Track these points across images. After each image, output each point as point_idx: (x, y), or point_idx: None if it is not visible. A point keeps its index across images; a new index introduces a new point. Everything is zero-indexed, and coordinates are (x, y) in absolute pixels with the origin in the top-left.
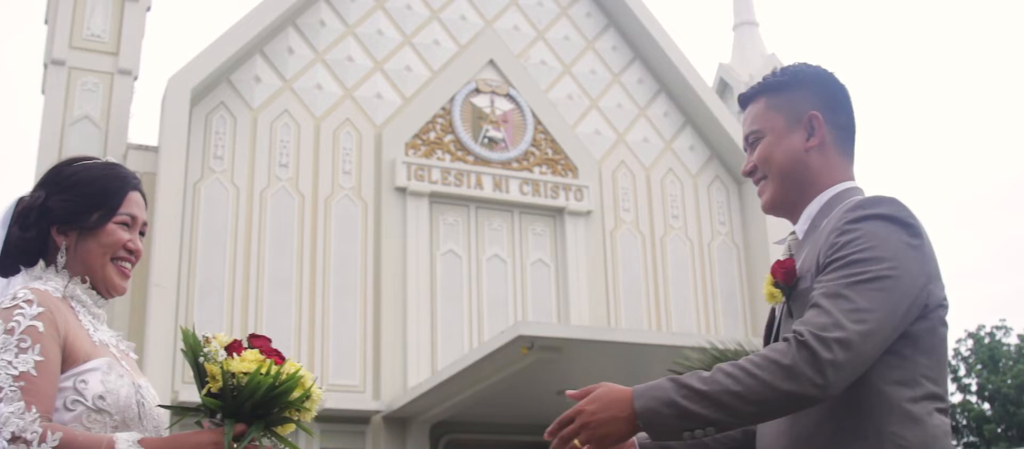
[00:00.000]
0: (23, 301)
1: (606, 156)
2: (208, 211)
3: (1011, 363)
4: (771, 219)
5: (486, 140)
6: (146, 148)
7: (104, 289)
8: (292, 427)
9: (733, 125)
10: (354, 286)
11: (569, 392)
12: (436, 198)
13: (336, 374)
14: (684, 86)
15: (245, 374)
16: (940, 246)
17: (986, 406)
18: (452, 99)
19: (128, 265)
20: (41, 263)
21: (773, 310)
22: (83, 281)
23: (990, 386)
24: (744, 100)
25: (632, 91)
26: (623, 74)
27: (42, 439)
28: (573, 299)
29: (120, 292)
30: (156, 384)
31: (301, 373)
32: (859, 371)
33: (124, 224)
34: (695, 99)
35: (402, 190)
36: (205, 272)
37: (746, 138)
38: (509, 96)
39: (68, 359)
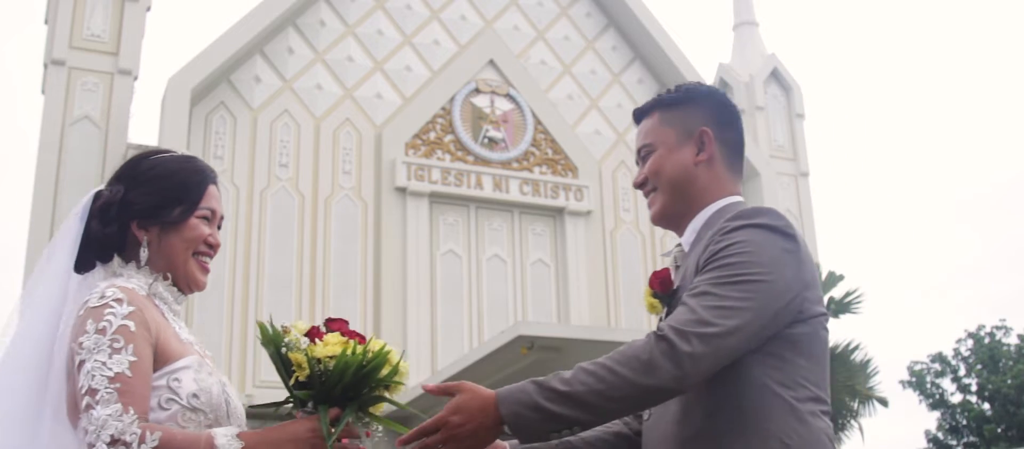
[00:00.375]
0: (112, 300)
1: (606, 156)
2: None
3: (1011, 363)
4: None
5: (486, 140)
6: (146, 148)
7: (185, 284)
8: (383, 406)
9: None
10: (354, 286)
11: (427, 386)
12: (436, 198)
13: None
14: None
15: (331, 358)
16: (941, 246)
17: (986, 406)
18: (452, 99)
19: (208, 259)
20: (117, 259)
21: (659, 321)
22: (165, 278)
23: (990, 386)
24: (638, 115)
25: (632, 91)
26: (623, 74)
27: (141, 440)
28: (573, 299)
29: (201, 287)
30: None
31: (386, 349)
32: (719, 364)
33: (205, 218)
34: None
35: (402, 190)
36: None
37: (638, 151)
38: (509, 96)
39: (160, 358)
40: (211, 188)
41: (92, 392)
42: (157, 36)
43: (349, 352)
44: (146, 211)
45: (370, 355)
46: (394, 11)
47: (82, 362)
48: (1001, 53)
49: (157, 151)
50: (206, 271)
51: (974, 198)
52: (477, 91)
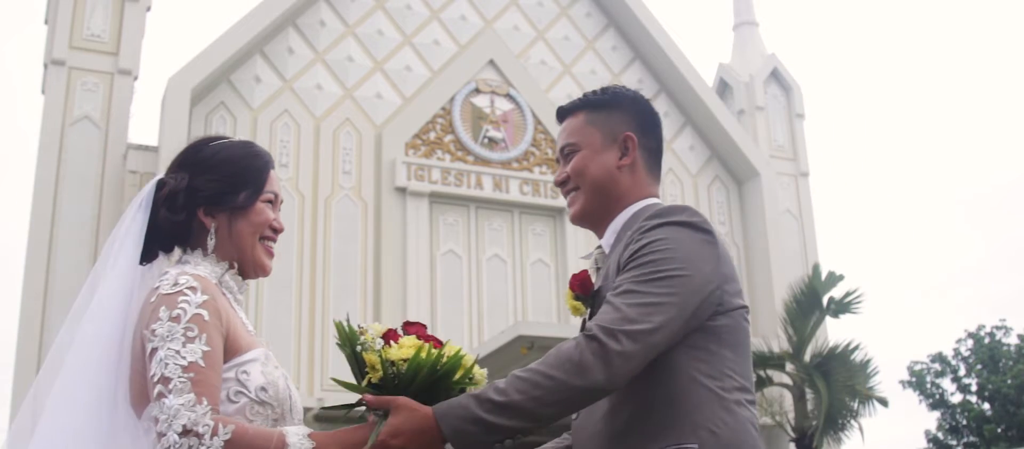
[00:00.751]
0: (186, 287)
1: None
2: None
3: (1011, 363)
4: (771, 220)
5: (486, 140)
6: (146, 148)
7: (251, 270)
8: None
9: (733, 125)
10: (354, 286)
11: (368, 397)
12: (436, 198)
13: (335, 374)
14: (684, 86)
15: (404, 360)
16: (941, 246)
17: (986, 406)
18: (452, 99)
19: (272, 244)
20: (177, 249)
21: (583, 322)
22: (231, 267)
23: (990, 386)
24: (562, 113)
25: None
26: (623, 74)
27: (214, 432)
28: None
29: (267, 272)
30: None
31: (461, 354)
32: (647, 360)
33: (268, 202)
34: (695, 99)
35: (402, 190)
36: None
37: (561, 150)
38: (509, 96)
39: (229, 349)
40: (272, 172)
41: (165, 380)
42: (157, 36)
43: (423, 355)
44: (213, 197)
45: (444, 359)
46: (394, 11)
47: (155, 349)
48: (1002, 53)
49: (215, 138)
50: (272, 255)
51: (975, 198)
52: (477, 91)
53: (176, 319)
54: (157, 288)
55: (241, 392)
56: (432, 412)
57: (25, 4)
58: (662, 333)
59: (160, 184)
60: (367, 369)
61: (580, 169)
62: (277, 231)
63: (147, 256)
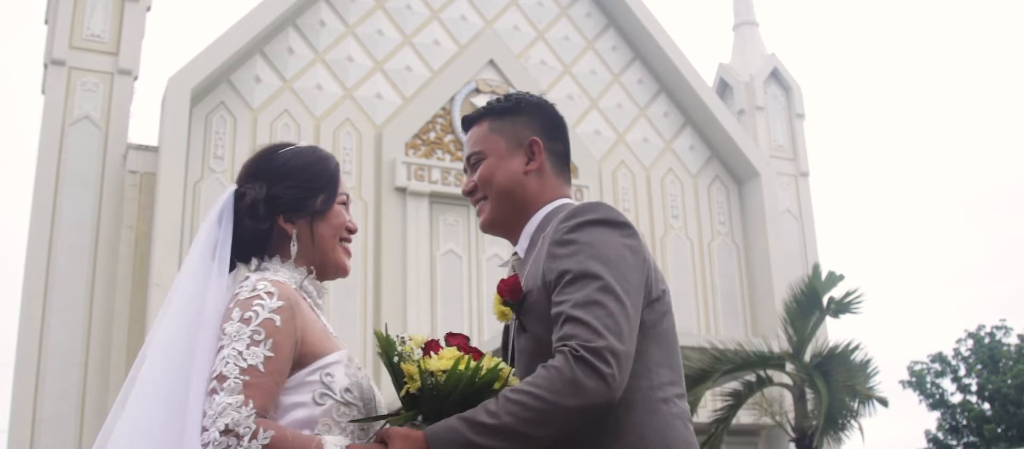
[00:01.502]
0: (264, 293)
1: (606, 156)
2: (208, 211)
3: (1011, 363)
4: (771, 219)
5: None
6: (146, 148)
7: (333, 272)
8: None
9: (733, 125)
10: (354, 286)
11: (352, 447)
12: (436, 198)
13: None
14: (684, 86)
15: (443, 372)
16: (941, 246)
17: (986, 406)
18: (452, 99)
19: (348, 245)
20: (254, 259)
21: (506, 327)
22: (310, 272)
23: (990, 386)
24: (467, 123)
25: (632, 91)
26: (623, 74)
27: (254, 435)
28: None
29: (346, 272)
30: None
31: (500, 365)
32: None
33: (343, 204)
34: (695, 99)
35: (402, 190)
36: None
37: (467, 159)
38: None
39: (309, 353)
40: (340, 175)
41: (222, 378)
42: (157, 36)
43: (461, 367)
44: (292, 204)
45: (483, 371)
46: (394, 11)
47: (221, 348)
48: (1003, 53)
49: (282, 145)
50: (350, 255)
51: (975, 198)
52: (477, 91)
53: (246, 321)
54: (237, 294)
55: (326, 394)
56: (424, 437)
57: (25, 4)
58: (631, 341)
59: (239, 195)
60: (405, 379)
61: (487, 177)
62: (352, 232)
63: (230, 266)
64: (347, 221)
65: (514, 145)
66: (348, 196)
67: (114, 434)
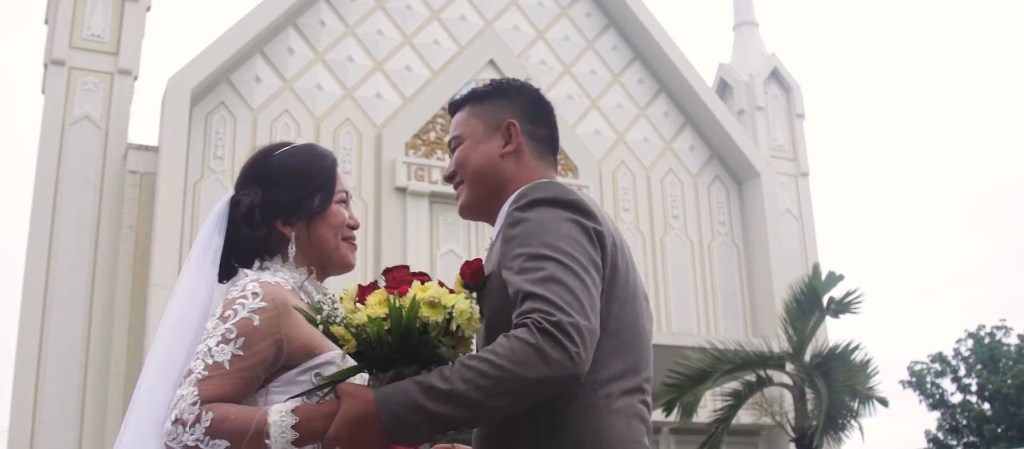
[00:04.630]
0: (250, 293)
1: (606, 156)
2: (208, 211)
3: (1011, 363)
4: (771, 219)
5: None
6: (146, 148)
7: (336, 268)
8: (467, 351)
9: (733, 125)
10: None
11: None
12: (436, 198)
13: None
14: (684, 86)
15: (371, 320)
16: (941, 246)
17: (986, 406)
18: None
19: (353, 240)
20: (256, 261)
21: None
22: (310, 272)
23: (990, 386)
24: (452, 108)
25: (632, 91)
26: (623, 74)
27: (197, 420)
28: None
29: (352, 266)
30: None
31: (430, 294)
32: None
33: (342, 201)
34: (695, 99)
35: (402, 190)
36: None
37: (449, 144)
38: None
39: (299, 353)
40: (339, 171)
41: (189, 372)
42: (157, 36)
43: (381, 310)
44: (289, 207)
45: (407, 307)
46: (394, 11)
47: (203, 341)
48: (1003, 53)
49: (278, 146)
50: (355, 249)
51: (975, 198)
52: None
53: (224, 319)
54: (228, 292)
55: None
56: (373, 397)
57: (25, 4)
58: (595, 316)
59: (234, 202)
60: (342, 343)
61: (462, 160)
62: (353, 228)
63: (226, 274)
64: (347, 218)
65: (492, 128)
66: (348, 192)
67: (119, 440)
